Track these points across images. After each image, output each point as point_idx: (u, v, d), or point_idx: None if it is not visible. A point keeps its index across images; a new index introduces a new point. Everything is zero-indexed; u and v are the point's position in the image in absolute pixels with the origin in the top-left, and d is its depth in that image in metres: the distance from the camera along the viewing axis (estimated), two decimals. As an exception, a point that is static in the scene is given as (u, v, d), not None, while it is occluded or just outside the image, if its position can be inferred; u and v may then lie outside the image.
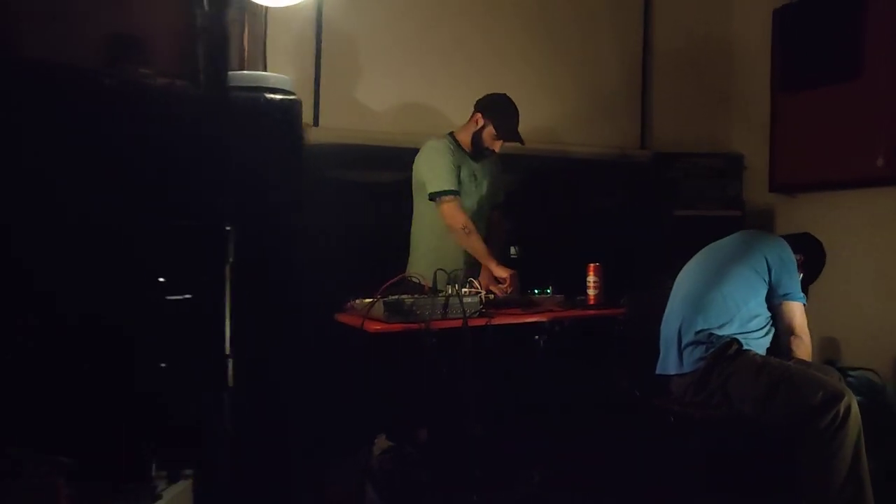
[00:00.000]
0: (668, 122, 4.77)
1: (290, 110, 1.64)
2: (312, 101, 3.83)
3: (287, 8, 3.73)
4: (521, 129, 3.52)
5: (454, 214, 3.41)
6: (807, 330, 3.00)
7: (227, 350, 1.05)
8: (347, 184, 3.92)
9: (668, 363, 2.99)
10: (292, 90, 1.77)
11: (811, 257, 3.17)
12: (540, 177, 4.43)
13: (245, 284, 1.09)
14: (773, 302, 3.00)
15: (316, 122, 3.83)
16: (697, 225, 4.31)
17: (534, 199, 4.40)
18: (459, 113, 3.66)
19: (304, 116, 3.74)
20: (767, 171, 4.50)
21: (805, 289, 3.11)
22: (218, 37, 1.07)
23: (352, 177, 3.94)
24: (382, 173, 3.86)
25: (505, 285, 3.31)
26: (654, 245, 4.30)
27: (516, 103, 3.54)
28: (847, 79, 4.02)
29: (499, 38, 4.28)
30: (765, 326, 2.99)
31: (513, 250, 3.54)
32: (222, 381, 1.03)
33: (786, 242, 3.08)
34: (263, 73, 1.87)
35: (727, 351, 2.81)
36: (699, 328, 2.89)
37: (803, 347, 2.98)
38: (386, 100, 4.02)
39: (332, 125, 3.84)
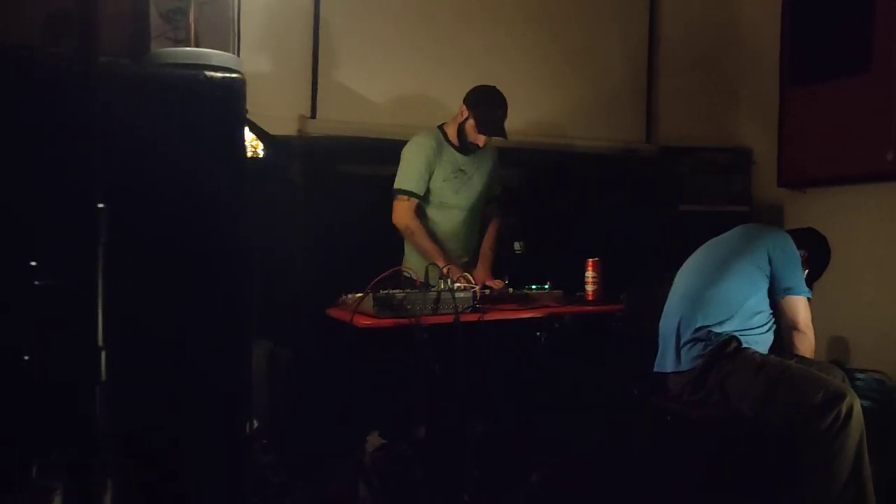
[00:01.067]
0: (675, 115, 4.69)
1: (230, 88, 1.58)
2: (310, 93, 3.80)
3: (285, 1, 3.71)
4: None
5: (400, 214, 3.43)
6: (811, 325, 2.92)
7: (100, 341, 0.98)
8: (344, 176, 3.89)
9: (666, 360, 2.92)
10: (238, 69, 1.72)
11: (815, 252, 3.09)
12: (543, 171, 4.37)
13: (141, 271, 1.04)
14: (776, 297, 2.91)
15: (313, 114, 3.80)
16: (704, 220, 4.23)
17: (536, 194, 4.34)
18: (458, 106, 3.60)
19: (301, 108, 3.79)
20: (776, 166, 4.42)
21: (810, 285, 3.03)
22: (85, 7, 1.02)
23: (349, 169, 3.91)
24: (380, 166, 3.81)
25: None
26: (659, 240, 4.23)
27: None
28: (856, 72, 3.93)
29: (500, 29, 4.22)
30: (767, 322, 2.91)
31: (517, 245, 3.49)
32: (94, 375, 0.97)
33: (788, 235, 3.01)
34: (207, 50, 1.82)
35: (725, 349, 2.73)
36: (698, 325, 2.81)
37: (806, 343, 2.91)
38: (384, 92, 3.97)
39: (329, 117, 3.81)
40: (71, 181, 1.02)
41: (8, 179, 1.37)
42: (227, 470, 1.60)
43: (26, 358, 1.35)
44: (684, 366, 2.83)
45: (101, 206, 1.02)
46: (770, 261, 2.89)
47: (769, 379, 2.63)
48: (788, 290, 2.89)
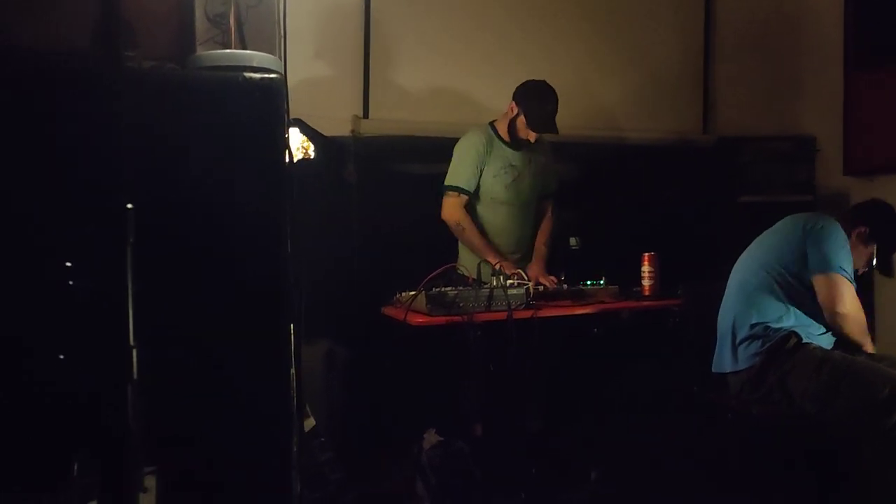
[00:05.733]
0: (733, 104, 4.58)
1: (269, 89, 1.60)
2: (362, 93, 3.83)
3: (336, 3, 3.75)
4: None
5: (450, 211, 3.45)
6: (848, 305, 2.69)
7: (131, 340, 1.01)
8: (398, 175, 3.91)
9: (724, 360, 2.84)
10: (278, 69, 1.74)
11: (879, 224, 2.86)
12: (598, 165, 4.31)
13: (177, 273, 1.06)
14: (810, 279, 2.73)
15: (366, 114, 3.83)
16: (766, 211, 4.10)
17: (592, 189, 4.29)
18: (510, 102, 3.58)
19: (354, 109, 3.82)
20: (841, 154, 4.29)
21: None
22: (111, 12, 1.05)
23: (402, 168, 3.93)
24: (433, 164, 3.82)
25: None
26: (718, 233, 4.14)
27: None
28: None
29: (552, 22, 4.18)
30: None
31: (573, 241, 3.47)
32: (127, 374, 1.00)
33: (833, 219, 2.81)
34: (246, 52, 1.87)
35: (785, 345, 2.65)
36: (753, 321, 2.74)
37: (850, 324, 2.71)
38: (436, 90, 3.98)
39: (382, 117, 3.83)
40: (100, 183, 1.06)
41: (44, 182, 1.42)
42: (270, 477, 1.62)
43: (61, 357, 1.40)
44: (742, 364, 2.75)
45: (129, 206, 1.05)
46: (805, 240, 2.75)
47: (832, 374, 2.56)
48: (813, 270, 2.70)
